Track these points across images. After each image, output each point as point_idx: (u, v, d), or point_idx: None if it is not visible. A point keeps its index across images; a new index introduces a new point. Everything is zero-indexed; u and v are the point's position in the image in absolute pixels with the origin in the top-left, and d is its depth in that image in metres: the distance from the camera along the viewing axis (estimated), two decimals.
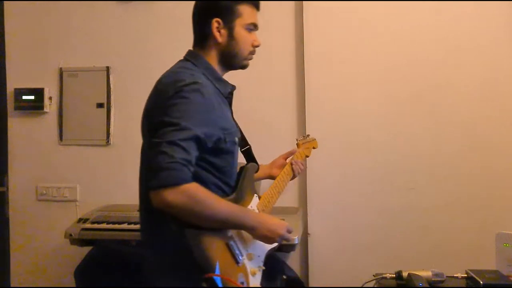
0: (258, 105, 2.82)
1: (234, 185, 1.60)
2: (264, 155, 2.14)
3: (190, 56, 1.61)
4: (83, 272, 2.45)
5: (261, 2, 2.87)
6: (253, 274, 1.53)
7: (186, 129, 1.38)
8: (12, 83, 3.03)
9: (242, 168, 1.67)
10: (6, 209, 3.02)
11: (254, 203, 1.65)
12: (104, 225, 2.42)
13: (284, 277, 2.47)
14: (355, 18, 2.73)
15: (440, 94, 2.66)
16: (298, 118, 2.78)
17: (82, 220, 2.49)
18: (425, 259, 2.55)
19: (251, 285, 1.51)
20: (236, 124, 1.67)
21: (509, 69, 2.62)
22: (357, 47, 2.73)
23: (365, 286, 1.89)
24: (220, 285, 1.35)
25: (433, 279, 1.82)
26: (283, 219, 2.27)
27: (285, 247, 2.21)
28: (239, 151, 1.72)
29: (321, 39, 2.75)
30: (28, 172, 3.01)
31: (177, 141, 1.36)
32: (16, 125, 3.04)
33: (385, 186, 2.69)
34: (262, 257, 1.61)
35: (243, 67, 1.67)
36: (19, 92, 3.00)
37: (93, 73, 2.95)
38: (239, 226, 1.49)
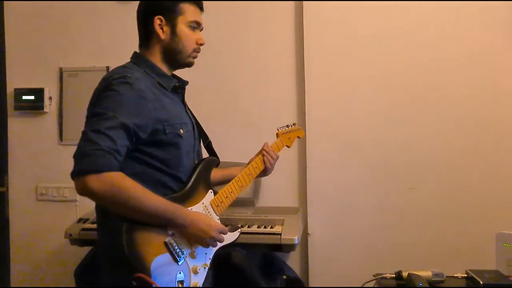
0: (258, 105, 2.82)
1: (187, 179, 1.60)
2: None
3: (132, 57, 1.65)
4: (83, 272, 2.45)
5: (261, 2, 2.89)
6: (195, 272, 1.53)
7: (113, 118, 1.39)
8: (12, 83, 3.04)
9: (198, 162, 1.67)
10: (6, 209, 3.02)
11: (207, 199, 1.64)
12: None
13: (284, 277, 2.47)
14: (355, 18, 2.73)
15: (440, 94, 2.66)
16: (298, 118, 2.78)
17: (82, 220, 2.49)
18: (425, 259, 2.55)
19: (191, 283, 1.51)
20: (192, 118, 1.71)
21: (510, 70, 2.62)
22: (357, 47, 2.73)
23: (365, 286, 1.88)
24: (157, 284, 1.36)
25: (433, 279, 1.82)
26: (283, 219, 2.31)
27: (285, 247, 2.22)
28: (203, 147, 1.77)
29: (321, 39, 2.75)
30: (28, 172, 3.01)
31: (103, 129, 1.37)
32: (16, 125, 3.04)
33: (385, 186, 2.69)
34: (210, 255, 1.61)
35: (188, 64, 1.68)
36: (19, 92, 3.00)
37: (93, 73, 2.94)
38: (168, 222, 1.47)
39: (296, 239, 2.19)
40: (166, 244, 1.46)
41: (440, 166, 2.66)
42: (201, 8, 1.68)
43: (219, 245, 1.62)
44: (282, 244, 2.19)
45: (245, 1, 2.84)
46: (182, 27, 1.62)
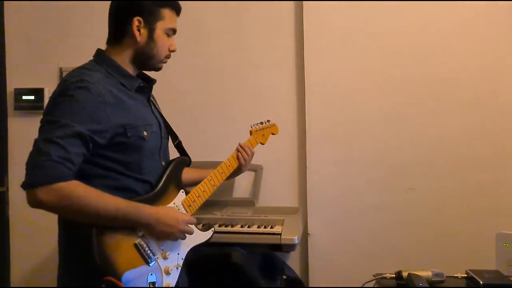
0: (258, 105, 2.82)
1: (155, 181, 1.58)
2: (263, 155, 2.15)
3: (95, 56, 1.61)
4: None
5: (261, 2, 2.89)
6: (167, 272, 1.53)
7: (66, 126, 1.37)
8: (12, 83, 3.04)
9: (168, 162, 1.66)
10: (6, 209, 3.02)
11: (178, 199, 1.63)
12: None
13: (284, 277, 2.47)
14: (355, 18, 2.73)
15: (440, 94, 2.66)
16: (298, 118, 2.78)
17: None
18: (425, 259, 2.55)
19: (164, 284, 1.51)
20: (159, 117, 1.67)
21: (510, 70, 2.61)
22: (357, 47, 2.73)
23: (365, 286, 1.88)
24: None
25: (433, 279, 1.82)
26: (283, 219, 2.31)
27: (285, 247, 2.22)
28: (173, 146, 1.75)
29: (321, 39, 2.75)
30: None
31: (54, 138, 1.35)
32: (16, 125, 3.04)
33: (385, 186, 2.69)
34: (183, 255, 1.60)
35: (158, 69, 1.67)
36: (19, 92, 3.00)
37: None
38: (131, 223, 1.45)
39: (296, 239, 2.19)
40: (136, 245, 1.46)
41: (440, 166, 2.66)
42: (178, 14, 1.67)
43: (191, 244, 1.62)
44: (282, 244, 2.19)
45: (245, 1, 2.84)
46: (160, 33, 1.59)
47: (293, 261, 2.75)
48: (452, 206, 2.64)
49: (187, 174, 1.77)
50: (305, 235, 2.72)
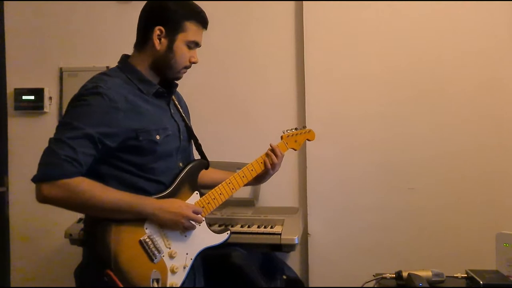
0: (258, 105, 2.82)
1: (169, 182, 1.62)
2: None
3: (119, 62, 1.68)
4: (83, 272, 2.45)
5: (261, 2, 2.89)
6: (173, 272, 1.55)
7: (77, 128, 1.46)
8: (12, 83, 3.03)
9: (185, 165, 1.69)
10: (6, 209, 3.02)
11: (192, 200, 1.66)
12: None
13: (284, 277, 2.47)
14: (355, 18, 2.73)
15: (441, 94, 2.66)
16: (298, 118, 2.78)
17: (82, 220, 2.48)
18: (425, 259, 2.55)
19: (168, 283, 1.53)
20: (178, 121, 1.71)
21: (510, 70, 2.62)
22: (357, 47, 2.73)
23: (365, 286, 1.88)
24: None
25: (433, 279, 1.82)
26: (283, 219, 2.31)
27: (285, 247, 2.22)
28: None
29: (321, 39, 2.75)
30: (28, 172, 2.99)
31: (64, 138, 1.45)
32: (16, 125, 3.04)
33: (385, 186, 2.69)
34: (192, 255, 1.62)
35: (176, 79, 1.70)
36: (19, 92, 3.00)
37: (93, 73, 2.87)
38: (136, 214, 1.51)
39: (296, 239, 2.19)
40: (141, 242, 1.51)
41: (440, 166, 2.66)
42: (205, 27, 1.68)
43: (203, 245, 1.64)
44: (282, 244, 2.18)
45: (245, 1, 2.84)
46: (180, 45, 1.62)
47: (293, 261, 2.75)
48: (452, 206, 2.64)
49: (213, 175, 1.82)
50: (305, 235, 2.72)
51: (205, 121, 2.86)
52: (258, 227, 2.26)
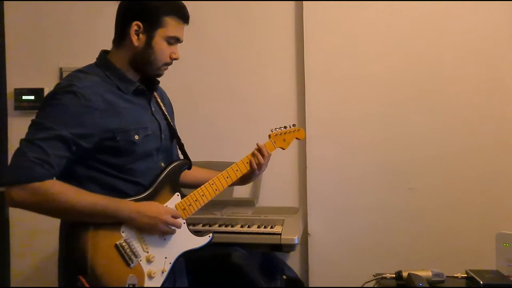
0: (258, 105, 2.82)
1: (150, 183, 1.56)
2: None
3: (97, 57, 1.63)
4: None
5: (261, 2, 2.88)
6: (150, 276, 1.50)
7: (49, 129, 1.40)
8: (12, 83, 3.03)
9: (166, 165, 1.63)
10: (6, 209, 3.02)
11: (172, 202, 1.60)
12: None
13: (284, 277, 2.47)
14: (355, 18, 2.73)
15: (441, 94, 2.66)
16: (298, 118, 2.78)
17: None
18: (425, 259, 2.55)
19: None
20: (160, 120, 1.64)
21: (510, 70, 2.61)
22: (357, 47, 2.73)
23: (365, 286, 1.88)
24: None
25: (433, 279, 1.82)
26: (283, 219, 2.31)
27: (285, 247, 2.22)
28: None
29: (321, 39, 2.75)
30: None
31: (35, 140, 1.39)
32: (16, 125, 3.04)
33: (385, 186, 2.69)
34: (171, 260, 1.57)
35: (156, 76, 1.64)
36: (19, 92, 2.99)
37: None
38: (112, 217, 1.45)
39: (296, 239, 2.19)
40: (117, 246, 1.46)
41: (440, 166, 2.66)
42: (186, 22, 1.61)
43: (183, 249, 1.59)
44: (282, 244, 2.19)
45: (245, 1, 2.84)
46: (159, 40, 1.55)
47: (293, 261, 2.75)
48: (452, 206, 2.64)
49: (197, 174, 1.77)
50: (305, 235, 2.72)
51: (205, 121, 2.87)
52: (258, 227, 2.27)
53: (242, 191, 2.73)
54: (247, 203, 2.66)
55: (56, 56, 3.00)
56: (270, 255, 2.52)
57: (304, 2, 2.76)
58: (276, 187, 2.78)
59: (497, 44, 2.62)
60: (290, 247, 2.23)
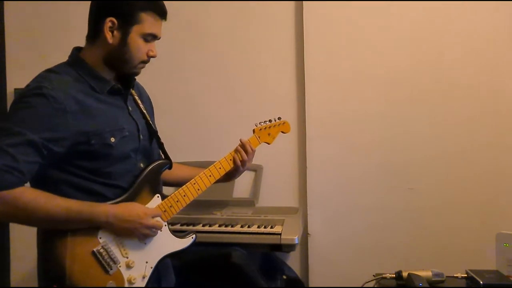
0: (258, 105, 2.82)
1: (129, 185, 1.51)
2: (263, 156, 2.14)
3: (69, 56, 1.56)
4: None
5: (261, 2, 2.88)
6: (130, 282, 1.45)
7: (18, 134, 1.32)
8: (12, 83, 3.03)
9: (145, 166, 1.57)
10: None
11: (152, 204, 1.54)
12: None
13: (284, 277, 2.47)
14: (355, 18, 2.73)
15: (441, 94, 2.66)
16: (298, 118, 2.78)
17: None
18: (425, 259, 2.55)
19: None
20: (137, 119, 1.57)
21: (510, 70, 2.61)
22: (357, 47, 2.73)
23: (365, 286, 1.88)
24: None
25: (433, 279, 1.82)
26: (283, 219, 2.31)
27: (285, 247, 2.22)
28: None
29: (321, 39, 2.75)
30: None
31: (3, 146, 1.31)
32: None
33: (385, 186, 2.69)
34: (153, 264, 1.52)
35: (133, 74, 1.57)
36: None
37: None
38: (88, 223, 1.39)
39: (296, 239, 2.19)
40: (94, 253, 1.41)
41: (440, 166, 2.66)
42: (164, 18, 1.54)
43: (164, 252, 1.54)
44: (282, 244, 2.19)
45: (245, 1, 2.84)
46: (135, 37, 1.48)
47: (293, 261, 2.75)
48: (452, 206, 2.64)
49: (179, 172, 1.71)
50: (305, 235, 2.72)
51: (205, 121, 2.87)
52: (258, 227, 2.27)
53: (242, 191, 2.73)
54: (247, 203, 2.66)
55: (56, 56, 2.99)
56: (270, 255, 2.52)
57: (304, 2, 2.76)
58: (276, 187, 2.78)
59: (497, 44, 2.62)
60: (290, 247, 2.23)
